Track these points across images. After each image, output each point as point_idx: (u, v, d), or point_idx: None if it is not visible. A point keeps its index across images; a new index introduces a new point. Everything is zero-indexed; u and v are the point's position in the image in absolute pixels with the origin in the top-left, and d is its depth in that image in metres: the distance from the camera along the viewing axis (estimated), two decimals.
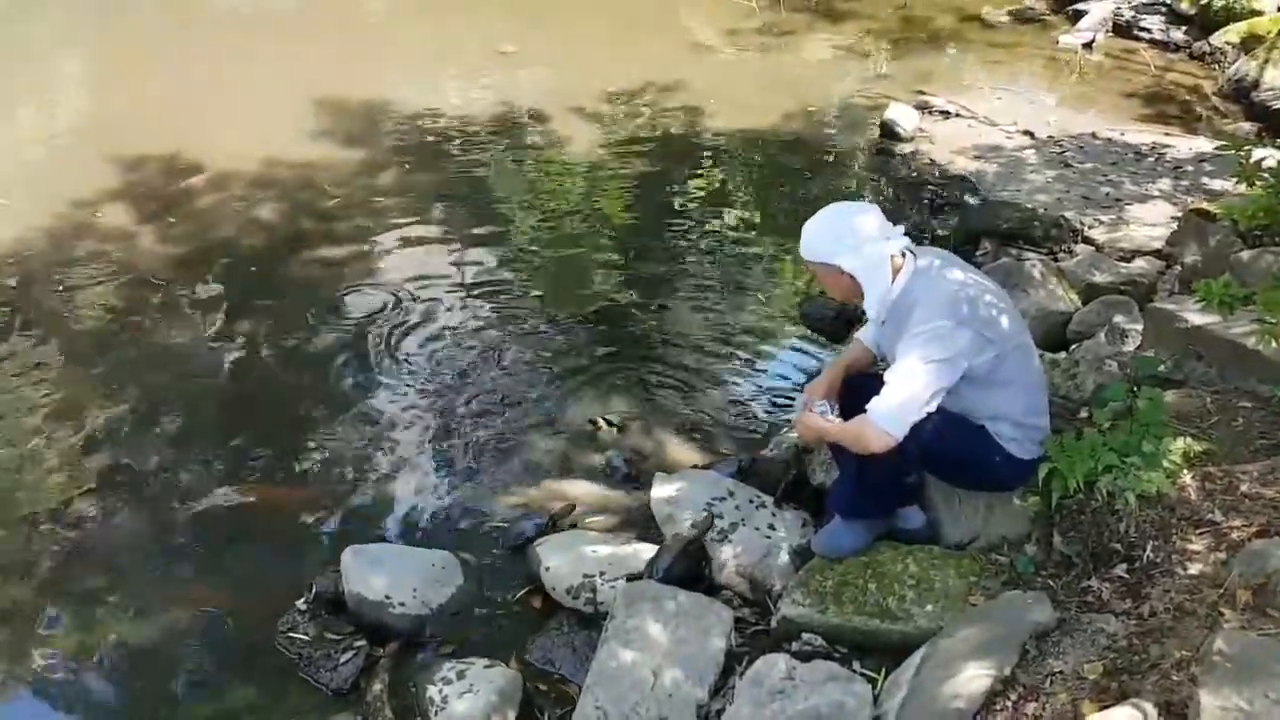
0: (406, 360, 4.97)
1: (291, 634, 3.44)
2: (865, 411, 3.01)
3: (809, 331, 5.22)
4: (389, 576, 3.51)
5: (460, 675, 3.20)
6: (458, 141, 7.39)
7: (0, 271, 5.63)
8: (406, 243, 6.05)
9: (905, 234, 3.19)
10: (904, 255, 3.14)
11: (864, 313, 3.28)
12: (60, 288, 5.52)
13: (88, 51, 9.24)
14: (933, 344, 2.97)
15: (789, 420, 4.36)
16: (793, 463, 3.92)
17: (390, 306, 5.41)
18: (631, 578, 3.46)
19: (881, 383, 3.04)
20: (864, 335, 3.45)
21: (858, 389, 3.20)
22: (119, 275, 5.65)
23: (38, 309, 5.33)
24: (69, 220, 6.15)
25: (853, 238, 3.08)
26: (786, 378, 4.89)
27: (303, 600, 3.55)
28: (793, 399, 4.65)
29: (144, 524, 3.99)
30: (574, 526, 3.91)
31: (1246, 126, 7.43)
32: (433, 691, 3.16)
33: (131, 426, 4.49)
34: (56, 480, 4.18)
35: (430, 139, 7.41)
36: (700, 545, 3.53)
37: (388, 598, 3.45)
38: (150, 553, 3.87)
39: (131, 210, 6.30)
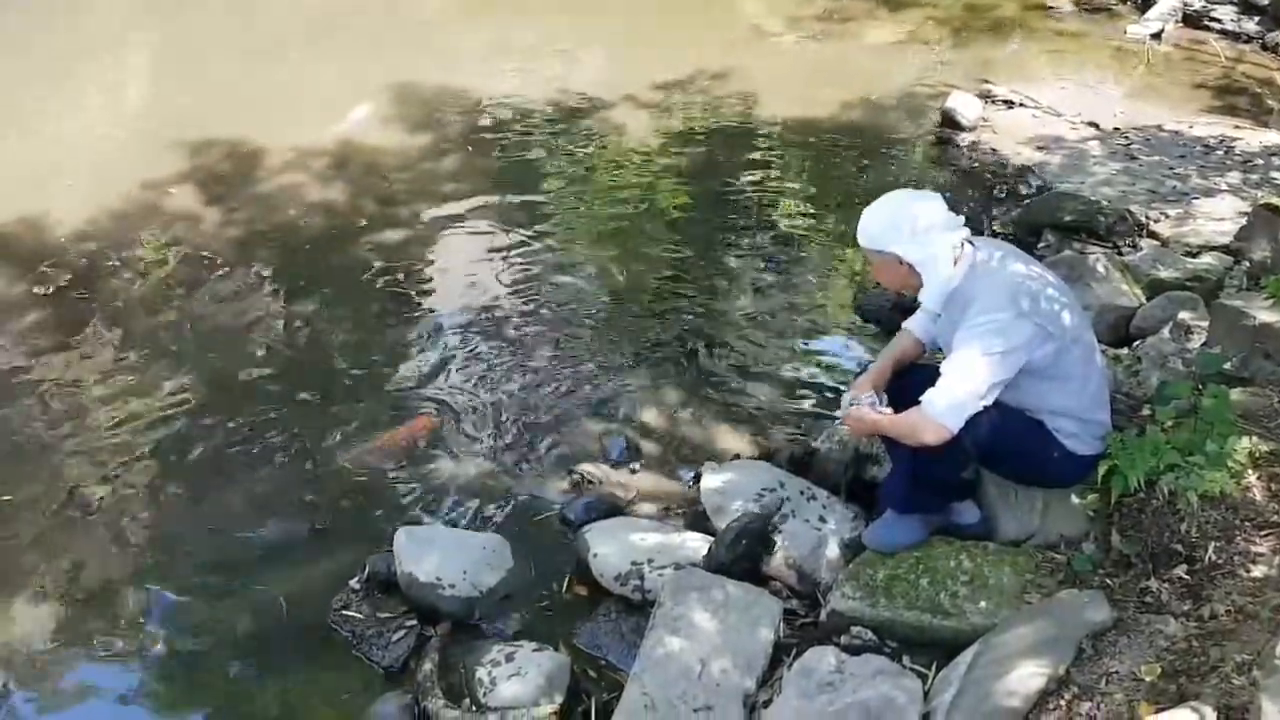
0: (460, 344, 5.00)
1: (345, 612, 3.49)
2: (920, 403, 2.97)
3: (864, 323, 5.18)
4: (440, 558, 3.53)
5: (509, 658, 3.23)
6: (515, 130, 7.40)
7: (69, 251, 5.74)
8: (463, 229, 6.07)
9: (966, 225, 3.14)
10: (963, 246, 3.10)
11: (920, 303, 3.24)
12: (126, 267, 5.62)
13: (154, 40, 9.39)
14: (992, 336, 2.92)
15: (835, 415, 4.32)
16: (851, 464, 3.87)
17: (446, 291, 5.45)
18: (687, 565, 3.47)
19: (935, 373, 3.00)
20: (914, 325, 3.41)
21: (911, 380, 3.17)
22: (183, 256, 5.74)
23: (105, 288, 5.43)
24: (136, 202, 6.26)
25: (913, 226, 3.04)
26: (840, 369, 4.85)
27: (356, 580, 3.59)
28: (846, 390, 4.62)
29: (199, 502, 4.06)
30: (623, 513, 3.92)
31: None
32: (482, 673, 3.19)
33: (190, 406, 4.57)
34: (114, 458, 4.26)
35: (488, 127, 7.43)
36: (766, 528, 3.52)
37: (439, 579, 3.47)
38: (205, 531, 3.93)
39: (196, 193, 6.40)
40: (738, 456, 4.19)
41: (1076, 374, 3.09)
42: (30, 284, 5.42)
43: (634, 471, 4.16)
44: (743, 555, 3.44)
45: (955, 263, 3.07)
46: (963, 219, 3.13)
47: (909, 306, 3.27)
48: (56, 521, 3.95)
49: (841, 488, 3.81)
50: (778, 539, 3.53)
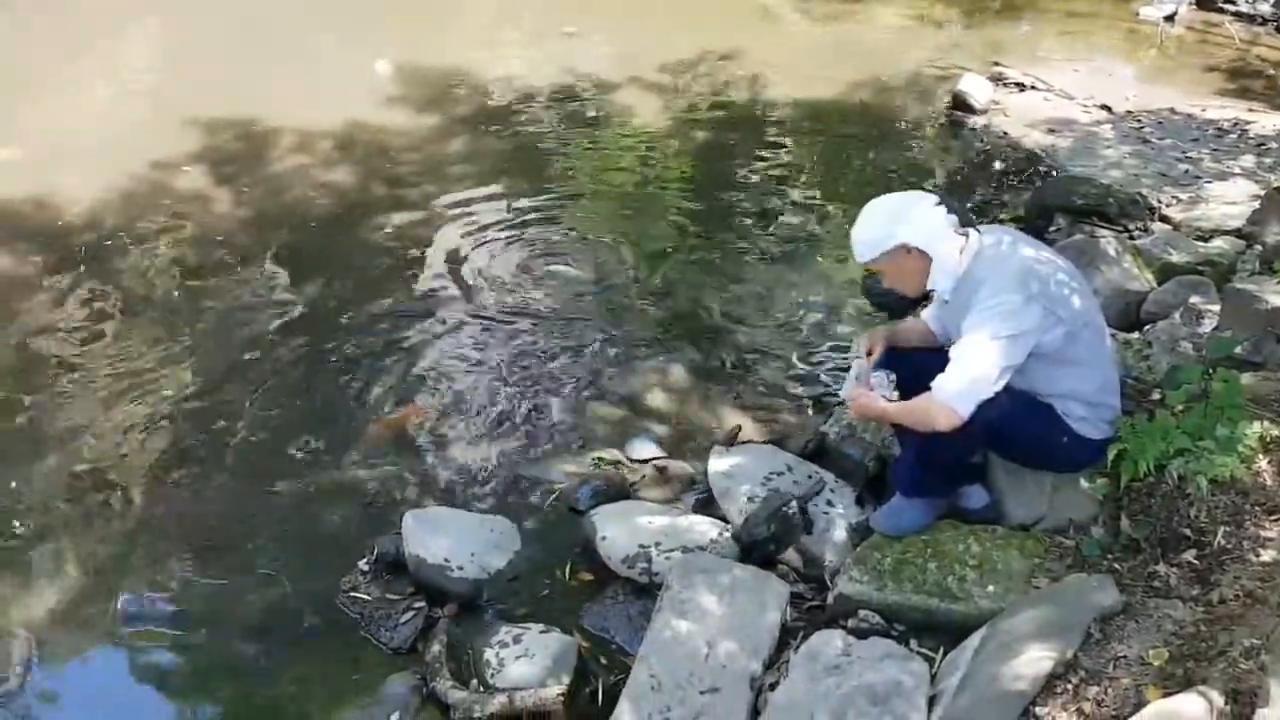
0: (468, 327, 5.00)
1: (354, 594, 3.49)
2: (930, 389, 2.96)
3: (873, 307, 5.16)
4: (448, 540, 3.55)
5: (516, 639, 3.24)
6: (522, 112, 7.39)
7: (79, 231, 5.74)
8: (471, 210, 6.06)
9: (976, 209, 3.12)
10: (967, 233, 3.08)
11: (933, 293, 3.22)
12: (137, 246, 5.62)
13: (164, 17, 9.37)
14: (1001, 320, 2.91)
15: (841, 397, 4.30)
16: (875, 463, 3.82)
17: (454, 274, 5.44)
18: (695, 549, 3.47)
19: (945, 360, 2.99)
20: (927, 315, 3.40)
21: (921, 366, 3.15)
22: (194, 236, 5.74)
23: (116, 267, 5.43)
24: (147, 182, 6.27)
25: (906, 214, 3.04)
26: (847, 354, 4.84)
27: (365, 561, 3.60)
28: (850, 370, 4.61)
29: (209, 484, 4.06)
30: (626, 498, 3.92)
31: None
32: (489, 654, 3.20)
33: (200, 387, 4.57)
34: (123, 439, 4.26)
35: (495, 109, 7.42)
36: (787, 514, 3.52)
37: (447, 561, 3.48)
38: (215, 511, 3.93)
39: (207, 173, 6.40)
40: (737, 431, 4.17)
41: (1086, 358, 3.08)
42: (42, 263, 5.43)
43: (655, 464, 4.13)
44: (771, 536, 3.46)
45: (961, 250, 3.06)
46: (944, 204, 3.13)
47: (920, 295, 3.26)
48: (65, 500, 3.95)
49: (859, 483, 3.78)
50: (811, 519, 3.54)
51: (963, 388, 2.90)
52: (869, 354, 3.30)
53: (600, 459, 4.12)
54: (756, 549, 3.45)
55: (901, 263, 3.10)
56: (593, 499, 3.85)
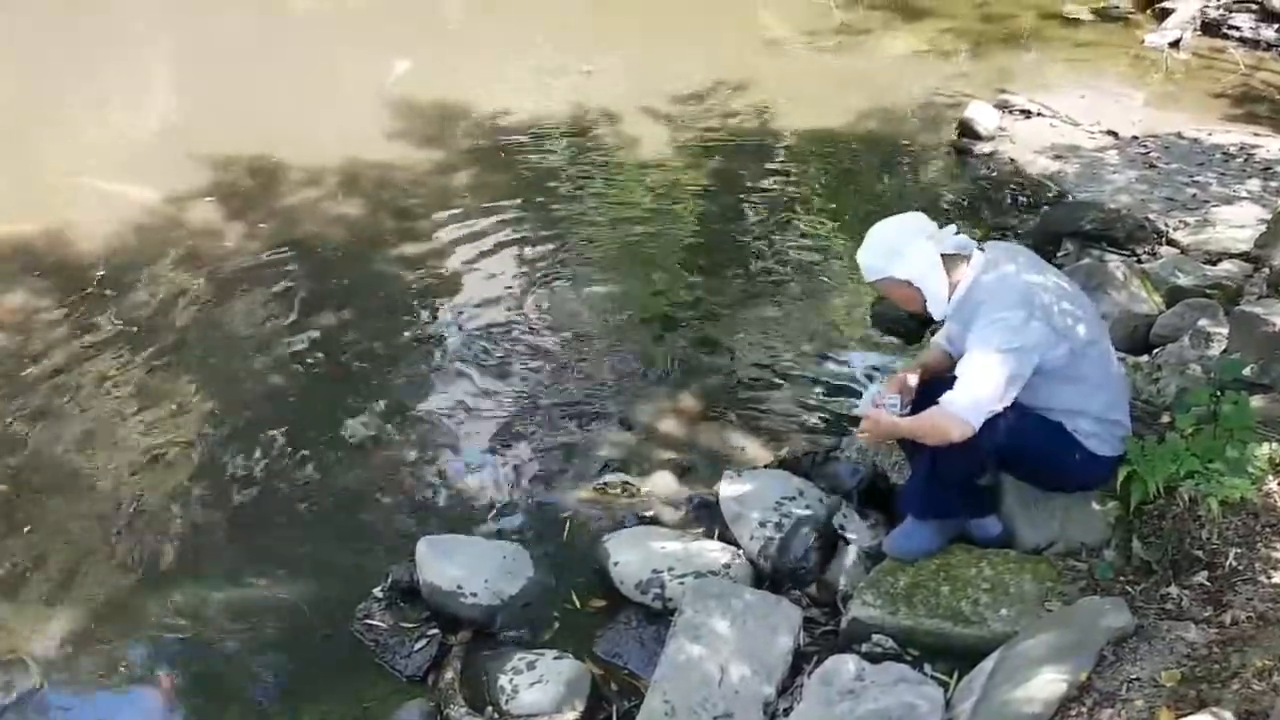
0: (480, 356, 5.03)
1: (368, 621, 3.51)
2: (938, 404, 2.98)
3: (881, 331, 5.19)
4: (462, 567, 3.56)
5: (530, 666, 3.25)
6: (532, 143, 7.44)
7: (91, 263, 5.79)
8: (481, 242, 6.10)
9: (984, 235, 3.16)
10: (967, 253, 3.12)
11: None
12: (148, 280, 5.65)
13: (174, 50, 9.49)
14: (1003, 334, 2.95)
15: (851, 418, 4.31)
16: (866, 473, 3.88)
17: (465, 304, 5.48)
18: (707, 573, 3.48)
19: (952, 382, 3.01)
20: (940, 338, 3.43)
21: (929, 388, 3.18)
22: (205, 269, 5.77)
23: (129, 300, 5.46)
24: (158, 215, 6.32)
25: (899, 246, 3.10)
26: (857, 378, 4.86)
27: (379, 588, 3.61)
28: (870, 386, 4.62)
29: (223, 511, 4.09)
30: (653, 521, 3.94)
31: None
32: (503, 681, 3.21)
33: (212, 416, 4.60)
34: (136, 468, 4.29)
35: (505, 140, 7.47)
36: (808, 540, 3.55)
37: (460, 588, 3.50)
38: (230, 540, 3.96)
39: (217, 207, 6.45)
40: (767, 466, 4.19)
41: (1092, 376, 3.10)
42: (56, 296, 5.47)
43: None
44: (800, 559, 3.52)
45: (957, 268, 3.10)
46: (954, 228, 3.18)
47: (925, 316, 3.30)
48: (80, 530, 3.99)
49: (853, 495, 3.81)
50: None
51: (972, 400, 2.92)
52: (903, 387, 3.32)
53: (610, 484, 4.14)
54: (791, 576, 3.50)
55: (900, 290, 3.18)
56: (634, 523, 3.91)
